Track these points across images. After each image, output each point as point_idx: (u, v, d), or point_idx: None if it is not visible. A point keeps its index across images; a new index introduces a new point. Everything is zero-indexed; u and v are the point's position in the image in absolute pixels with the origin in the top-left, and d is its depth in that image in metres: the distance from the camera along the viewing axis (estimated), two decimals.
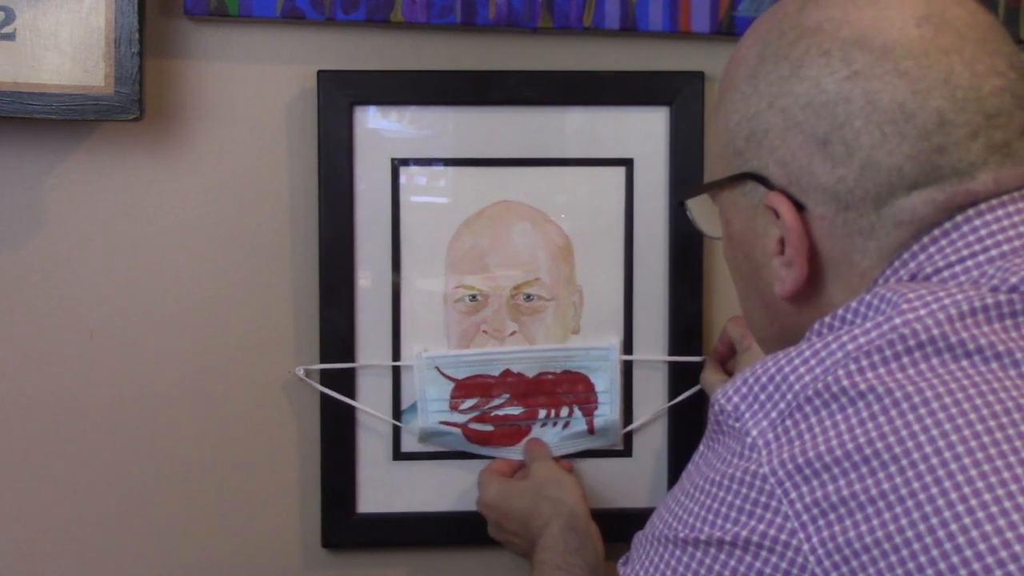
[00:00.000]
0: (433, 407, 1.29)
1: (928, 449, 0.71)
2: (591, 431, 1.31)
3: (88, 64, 1.17)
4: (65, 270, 1.27)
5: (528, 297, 1.30)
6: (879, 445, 0.72)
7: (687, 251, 1.30)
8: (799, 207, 0.84)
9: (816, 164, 0.83)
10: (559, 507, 1.19)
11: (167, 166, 1.27)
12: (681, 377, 1.32)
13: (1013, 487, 0.69)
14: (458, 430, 1.30)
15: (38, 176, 1.26)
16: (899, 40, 0.82)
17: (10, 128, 1.24)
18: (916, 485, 0.70)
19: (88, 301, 1.27)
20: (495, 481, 1.25)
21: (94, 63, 1.18)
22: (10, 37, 1.16)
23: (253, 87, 1.28)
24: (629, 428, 1.32)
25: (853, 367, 0.75)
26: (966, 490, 0.69)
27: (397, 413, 1.30)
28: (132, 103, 1.18)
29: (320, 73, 1.26)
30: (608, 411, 1.30)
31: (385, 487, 1.31)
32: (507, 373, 1.29)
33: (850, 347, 0.76)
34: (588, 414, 1.30)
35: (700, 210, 0.97)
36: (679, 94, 1.29)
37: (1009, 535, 0.68)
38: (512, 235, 1.30)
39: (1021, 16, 1.32)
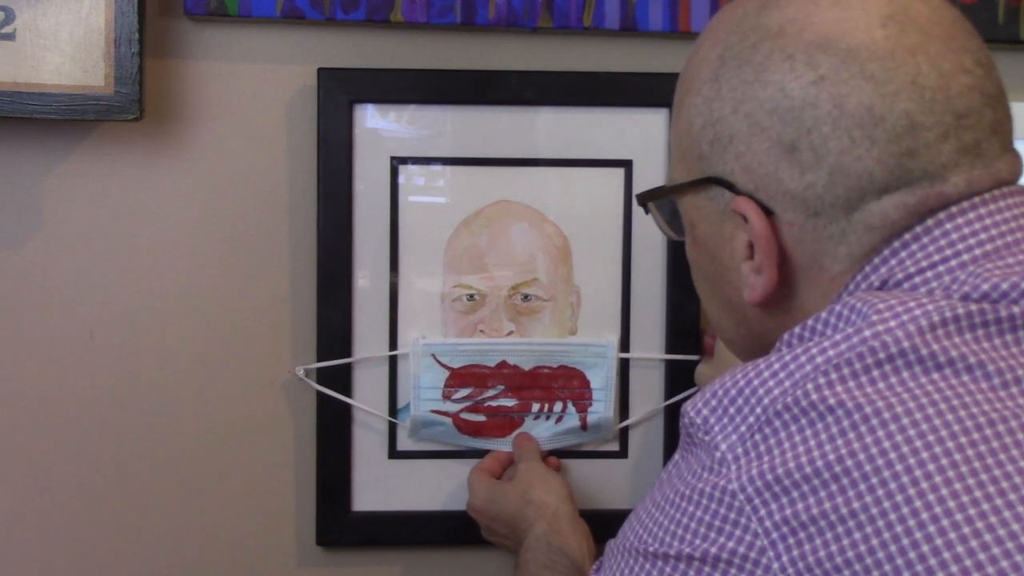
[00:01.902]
0: (426, 395, 1.29)
1: (899, 467, 0.70)
2: (584, 427, 1.31)
3: (88, 64, 1.18)
4: (65, 270, 1.27)
5: (526, 297, 1.30)
6: (849, 463, 0.71)
7: (685, 253, 1.30)
8: (767, 212, 0.83)
9: (783, 170, 0.82)
10: (543, 509, 1.18)
11: (167, 166, 1.28)
12: (678, 377, 1.32)
13: (985, 506, 0.68)
14: (449, 420, 1.30)
15: (38, 176, 1.26)
16: (864, 42, 0.80)
17: (10, 128, 1.24)
18: (887, 504, 0.70)
19: (88, 301, 1.28)
20: (483, 485, 1.26)
21: (94, 63, 1.18)
22: (10, 37, 1.17)
23: (253, 86, 1.28)
24: (624, 424, 1.33)
25: (822, 380, 0.74)
26: (937, 509, 0.68)
27: (393, 412, 1.31)
28: (132, 103, 1.18)
29: (320, 71, 1.26)
30: (602, 408, 1.30)
31: (381, 485, 1.31)
32: (503, 365, 1.30)
33: (819, 360, 0.75)
34: (582, 410, 1.30)
35: (661, 212, 0.96)
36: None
37: (982, 556, 0.67)
38: (510, 235, 1.30)
39: (1021, 16, 1.32)
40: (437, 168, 1.29)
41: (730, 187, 0.85)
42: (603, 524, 1.23)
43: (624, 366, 1.32)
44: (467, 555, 1.34)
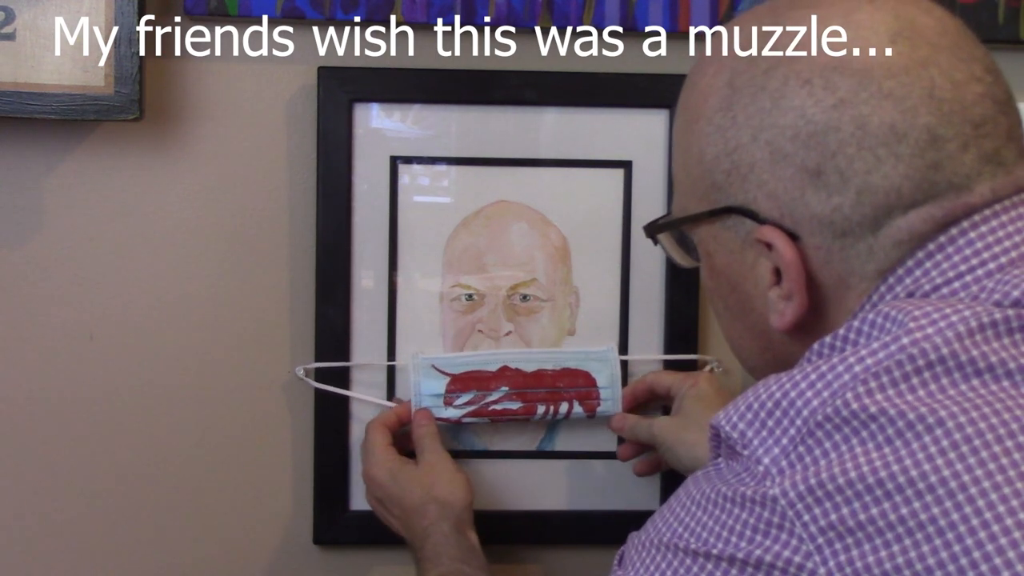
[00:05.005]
0: (427, 403, 1.27)
1: (945, 473, 0.70)
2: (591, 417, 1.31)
3: (88, 64, 1.18)
4: (65, 270, 1.27)
5: (524, 297, 1.30)
6: (895, 468, 0.71)
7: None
8: (792, 238, 0.83)
9: (810, 195, 0.81)
10: (447, 510, 1.17)
11: (167, 166, 1.28)
12: None
13: None
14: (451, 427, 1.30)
15: (38, 176, 1.26)
16: (877, 60, 0.81)
17: (10, 128, 1.24)
18: (936, 510, 0.69)
19: (88, 301, 1.28)
20: (387, 458, 1.21)
21: (94, 63, 1.18)
22: (10, 37, 1.17)
23: (253, 86, 1.28)
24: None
25: (861, 389, 0.74)
26: (987, 515, 0.68)
27: None
28: (132, 103, 1.19)
29: (321, 70, 1.26)
30: (611, 407, 1.29)
31: None
32: (504, 368, 1.29)
33: (857, 369, 0.75)
34: (590, 410, 1.29)
35: (671, 241, 0.96)
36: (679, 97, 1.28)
37: None
38: (510, 235, 1.30)
39: (1021, 16, 1.32)
40: (437, 168, 1.29)
41: (753, 216, 0.84)
42: (601, 524, 1.24)
43: (623, 366, 1.31)
44: None
